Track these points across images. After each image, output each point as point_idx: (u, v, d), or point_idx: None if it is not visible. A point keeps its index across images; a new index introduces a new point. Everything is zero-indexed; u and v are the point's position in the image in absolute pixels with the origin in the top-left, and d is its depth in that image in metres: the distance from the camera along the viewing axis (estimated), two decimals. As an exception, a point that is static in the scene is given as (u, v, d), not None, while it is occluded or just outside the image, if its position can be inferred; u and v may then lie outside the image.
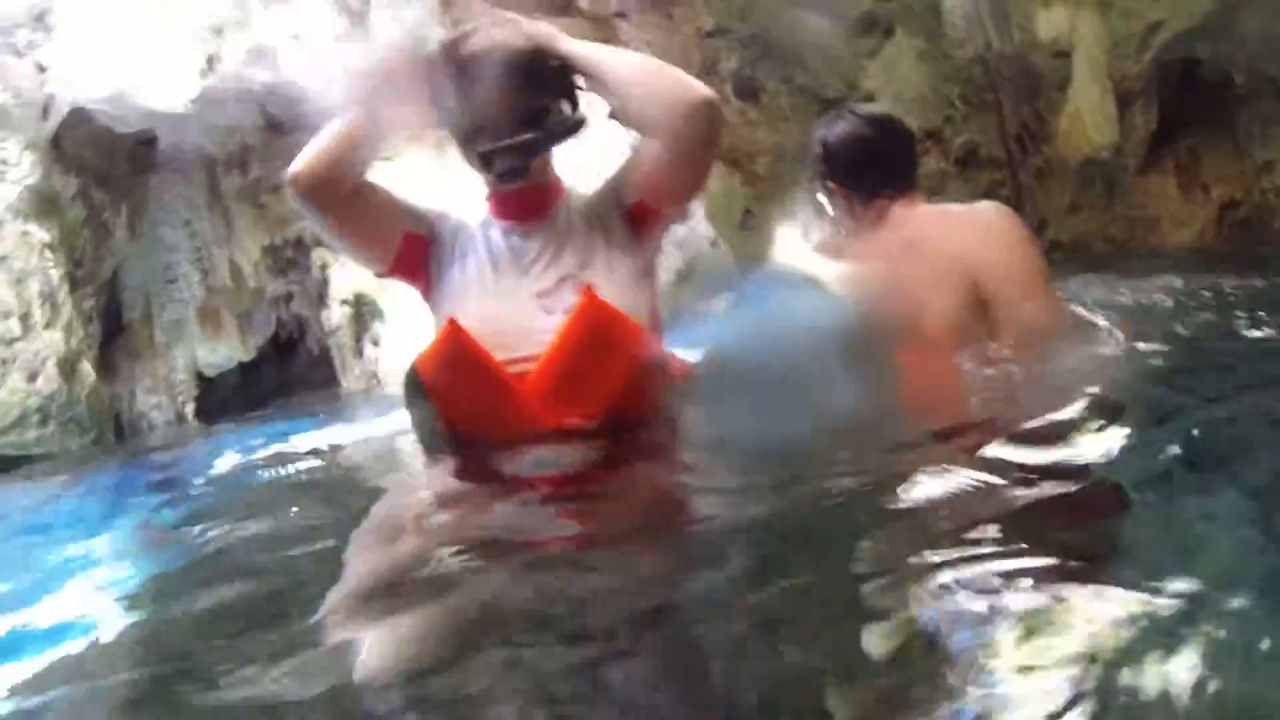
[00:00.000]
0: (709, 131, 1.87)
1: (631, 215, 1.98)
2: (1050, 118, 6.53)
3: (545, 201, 2.00)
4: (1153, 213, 6.51)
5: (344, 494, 2.71)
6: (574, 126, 1.90)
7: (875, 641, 0.99)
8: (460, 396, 1.83)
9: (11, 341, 6.75)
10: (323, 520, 2.08)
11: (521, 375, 1.79)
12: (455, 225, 2.03)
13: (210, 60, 7.04)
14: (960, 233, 2.16)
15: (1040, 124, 6.63)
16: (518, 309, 1.88)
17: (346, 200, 1.88)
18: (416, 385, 1.83)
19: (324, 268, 9.15)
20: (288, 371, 9.57)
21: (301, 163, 1.84)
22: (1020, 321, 2.05)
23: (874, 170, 2.29)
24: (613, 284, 1.86)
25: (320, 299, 9.26)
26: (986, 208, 2.25)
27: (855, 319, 1.86)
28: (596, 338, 1.76)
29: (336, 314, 9.10)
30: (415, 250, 2.00)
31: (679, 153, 1.86)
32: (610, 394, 1.78)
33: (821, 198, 2.44)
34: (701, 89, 1.81)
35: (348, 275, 8.94)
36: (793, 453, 1.62)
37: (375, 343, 9.07)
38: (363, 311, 9.11)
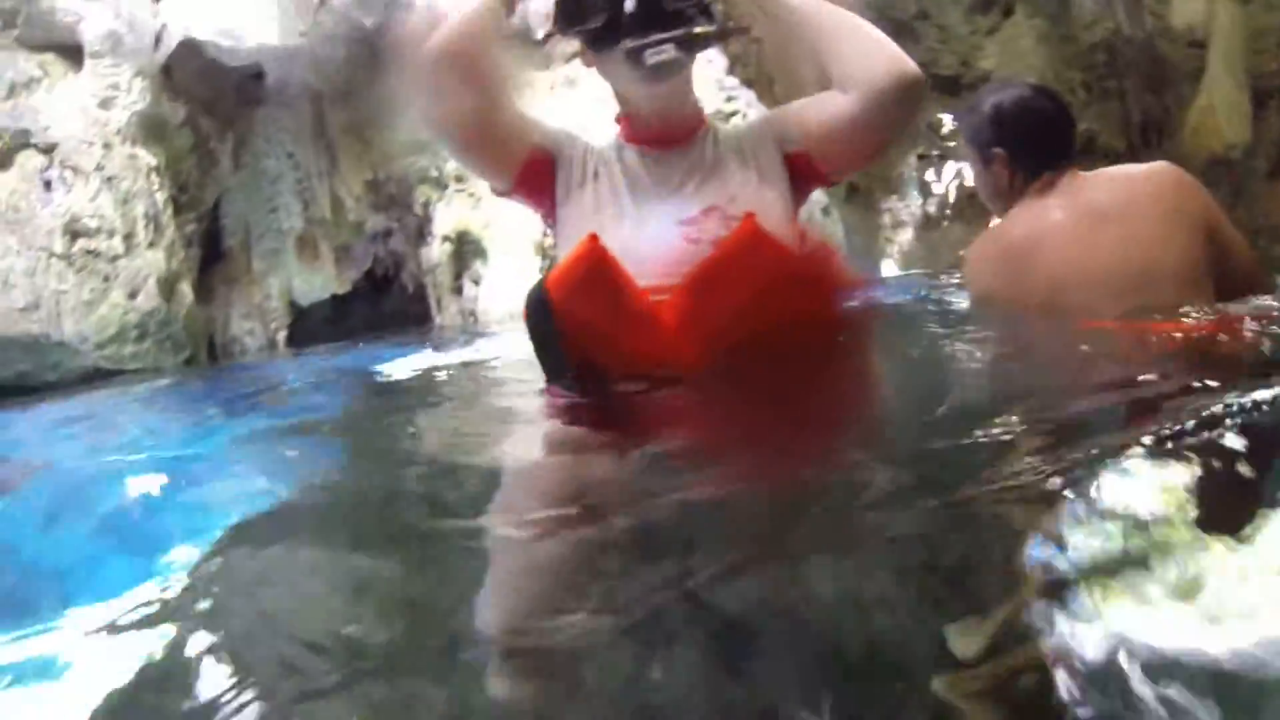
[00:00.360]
0: (912, 110, 1.75)
1: (790, 163, 1.85)
2: (1178, 111, 6.16)
3: (688, 125, 1.87)
4: (1278, 221, 6.11)
5: (458, 420, 2.66)
6: (725, 34, 1.79)
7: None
8: (594, 322, 1.62)
9: (114, 259, 6.95)
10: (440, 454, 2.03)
11: (659, 305, 1.62)
12: (585, 146, 1.90)
13: (321, -1, 7.10)
14: (1169, 189, 2.15)
15: (1166, 117, 6.26)
16: (658, 235, 1.74)
17: (477, 94, 1.74)
18: (543, 305, 1.61)
19: (427, 204, 9.24)
20: (380, 307, 9.72)
21: (437, 40, 1.72)
22: (1251, 272, 2.15)
23: (1052, 140, 2.32)
24: (765, 222, 1.67)
25: (420, 235, 9.36)
26: (1170, 166, 2.21)
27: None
28: (757, 269, 1.57)
29: (437, 251, 9.18)
30: (540, 169, 1.86)
31: (874, 122, 1.73)
32: (763, 332, 1.59)
33: (949, 167, 2.48)
34: (914, 65, 1.69)
35: (452, 212, 9.01)
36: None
37: (476, 282, 9.13)
38: (464, 250, 9.18)
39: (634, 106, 1.86)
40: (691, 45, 1.73)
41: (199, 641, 1.13)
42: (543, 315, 1.62)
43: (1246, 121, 5.90)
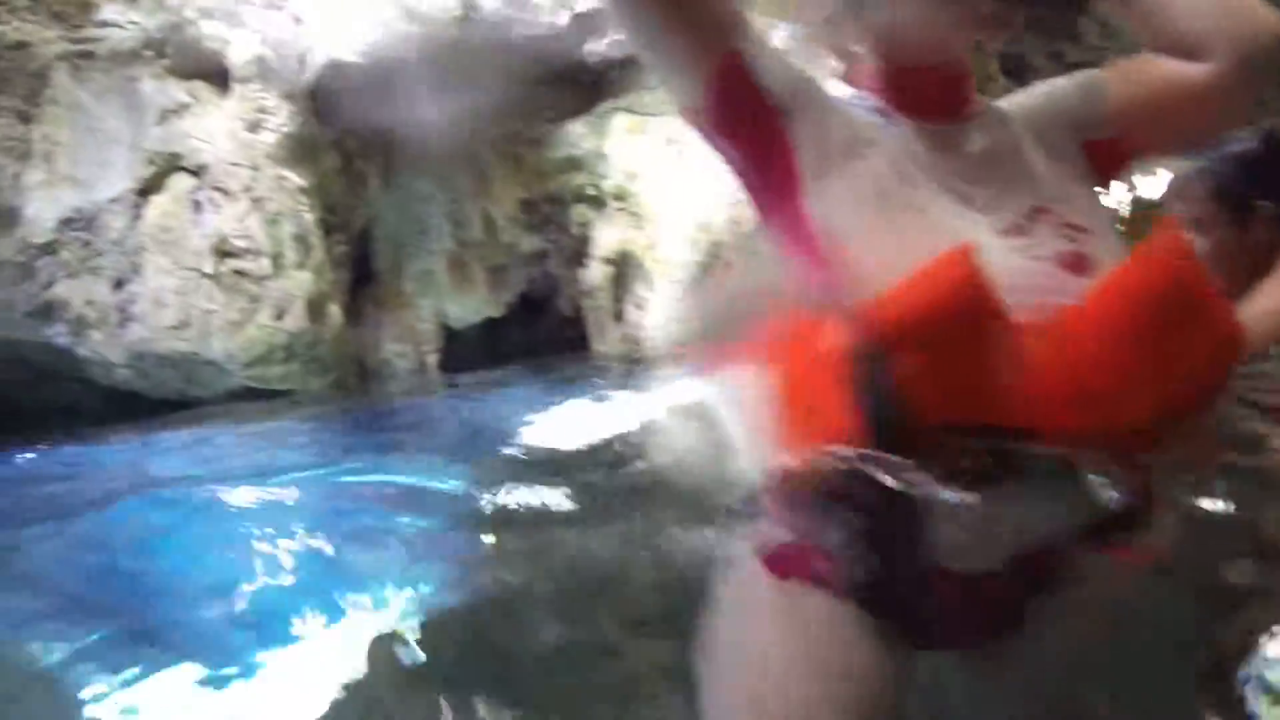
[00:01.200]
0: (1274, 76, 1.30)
1: (1092, 153, 1.34)
2: None
3: (967, 92, 1.32)
4: None
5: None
6: None
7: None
8: (971, 385, 1.03)
9: (262, 279, 7.06)
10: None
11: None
12: (833, 102, 1.29)
13: (466, 8, 7.00)
14: None
15: None
16: (983, 250, 1.11)
17: None
18: (874, 351, 1.01)
19: (584, 224, 9.05)
20: (536, 331, 9.56)
21: None
22: None
23: None
24: (1106, 234, 1.22)
25: (578, 257, 9.18)
26: None
27: None
28: (1182, 309, 1.05)
29: (596, 273, 8.97)
30: (739, 88, 1.22)
31: (1236, 94, 1.29)
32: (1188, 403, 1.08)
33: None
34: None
35: (612, 232, 8.80)
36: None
37: (638, 306, 8.86)
38: (626, 272, 8.93)
39: (906, 58, 1.29)
40: None
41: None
42: (873, 369, 1.01)
43: None
